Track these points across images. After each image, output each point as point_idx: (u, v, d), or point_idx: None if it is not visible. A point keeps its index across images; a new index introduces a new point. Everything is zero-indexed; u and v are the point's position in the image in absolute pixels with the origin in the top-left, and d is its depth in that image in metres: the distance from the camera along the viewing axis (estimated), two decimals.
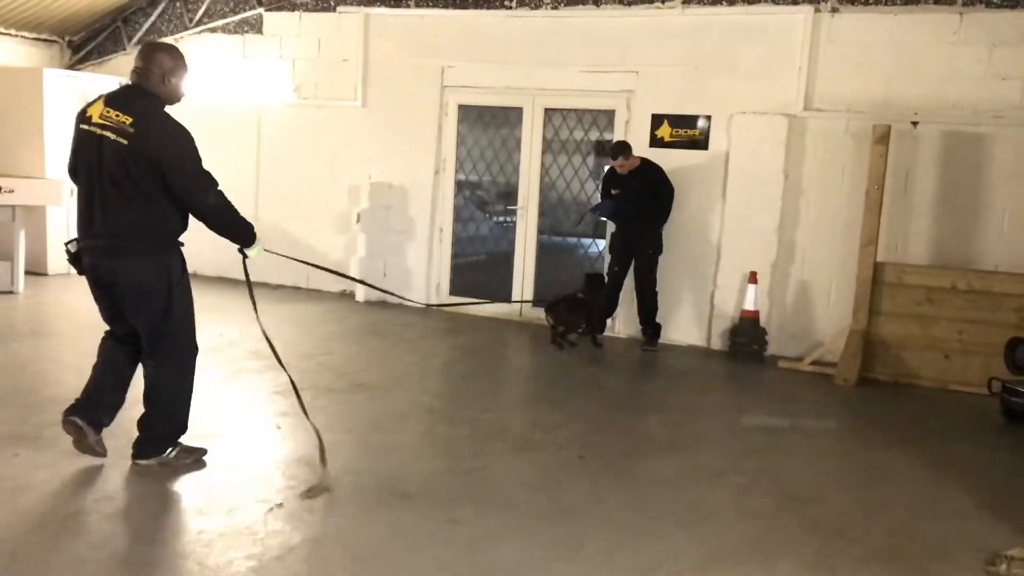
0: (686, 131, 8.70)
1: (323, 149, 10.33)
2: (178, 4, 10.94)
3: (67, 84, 10.36)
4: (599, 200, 8.73)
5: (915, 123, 7.92)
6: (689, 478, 4.98)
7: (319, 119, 10.33)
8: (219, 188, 4.49)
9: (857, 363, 7.56)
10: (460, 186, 9.92)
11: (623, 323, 9.01)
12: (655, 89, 8.78)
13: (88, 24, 11.32)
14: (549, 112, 9.33)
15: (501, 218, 9.89)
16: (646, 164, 8.37)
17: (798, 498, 4.80)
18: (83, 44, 11.54)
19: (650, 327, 8.57)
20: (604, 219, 8.90)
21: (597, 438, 5.62)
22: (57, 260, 10.38)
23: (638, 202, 8.36)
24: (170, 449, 4.67)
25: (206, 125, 10.98)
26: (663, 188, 8.35)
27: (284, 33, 10.42)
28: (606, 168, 8.68)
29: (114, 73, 11.22)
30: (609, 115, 9.08)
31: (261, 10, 10.48)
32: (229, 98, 10.68)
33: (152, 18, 11.04)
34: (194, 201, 4.42)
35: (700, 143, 8.66)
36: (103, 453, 4.61)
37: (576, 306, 8.35)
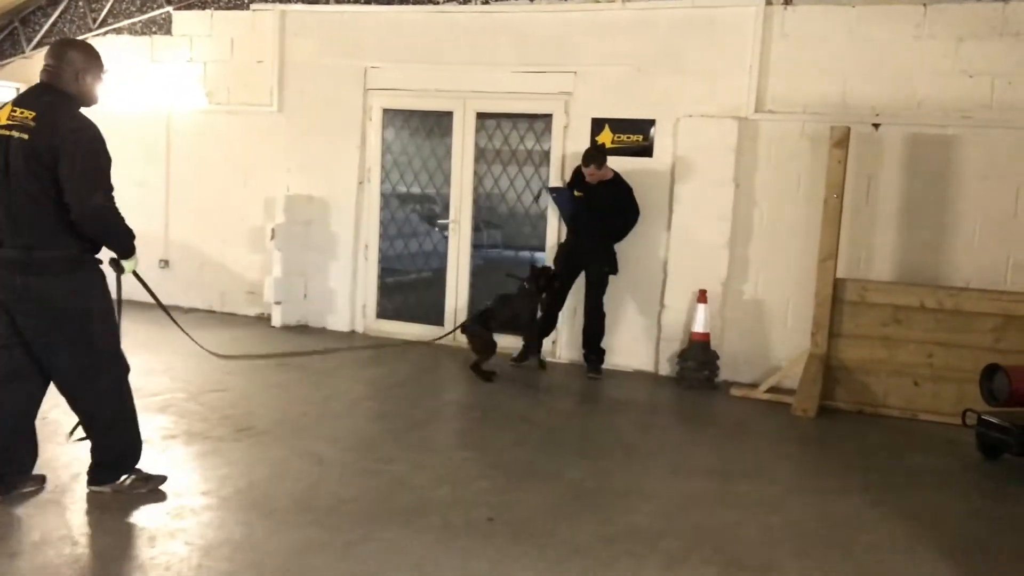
0: (629, 136, 7.93)
1: (237, 159, 9.44)
2: (81, 3, 10.02)
3: None
4: (562, 186, 7.96)
5: (877, 125, 7.20)
6: (616, 544, 4.16)
7: (232, 126, 9.45)
8: (111, 193, 4.12)
9: (816, 391, 6.80)
10: (404, 199, 9.00)
11: (565, 347, 8.21)
12: (595, 91, 8.01)
13: None
14: (482, 117, 8.51)
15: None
16: (619, 179, 7.58)
17: (744, 568, 4.01)
18: None
19: (594, 353, 7.77)
20: (557, 206, 8.07)
21: (515, 492, 4.79)
22: None
23: (599, 215, 7.56)
24: (125, 476, 4.39)
25: (111, 134, 10.09)
26: (629, 210, 7.57)
27: (194, 33, 9.54)
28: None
29: (10, 78, 10.29)
30: (546, 120, 8.29)
31: (170, 8, 9.59)
32: (136, 105, 9.76)
33: (52, 18, 10.12)
34: (79, 199, 3.97)
35: (644, 150, 7.89)
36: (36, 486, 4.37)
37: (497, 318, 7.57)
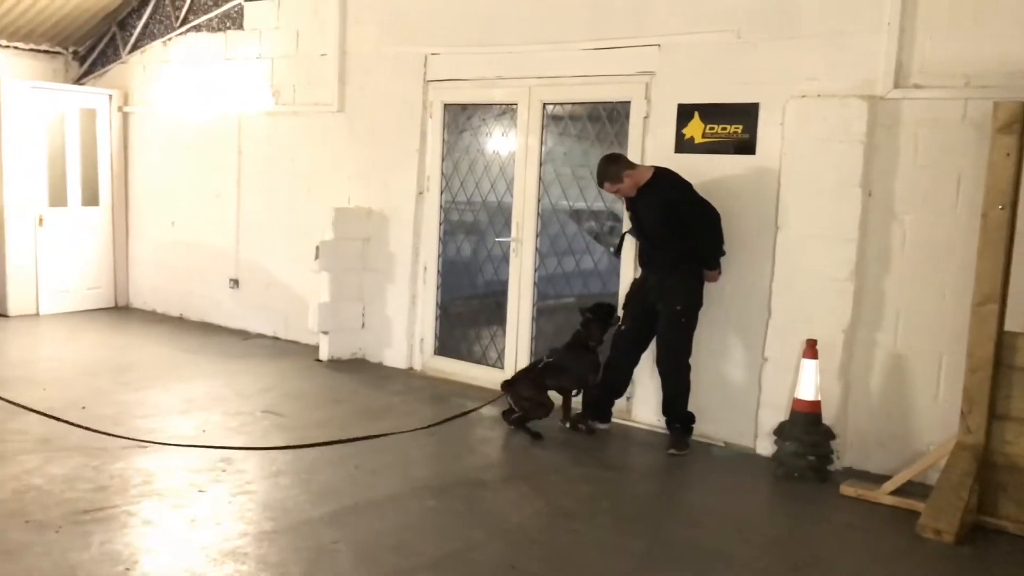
0: (724, 127, 5.89)
1: (300, 166, 8.31)
2: (166, 1, 9.33)
3: (33, 97, 8.99)
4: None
5: None
6: None
7: (297, 129, 8.34)
8: None
9: (962, 501, 4.48)
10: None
11: (640, 404, 6.27)
12: (683, 68, 6.05)
13: (88, 31, 9.96)
14: (547, 107, 6.79)
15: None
16: (659, 176, 5.68)
17: None
18: (88, 55, 10.22)
19: (676, 420, 5.80)
20: None
21: None
22: (19, 300, 9.01)
23: (646, 233, 5.75)
24: None
25: (187, 141, 9.37)
26: (685, 209, 5.60)
27: (263, 27, 8.52)
28: None
29: (109, 85, 9.84)
30: (623, 109, 6.41)
31: (241, 0, 8.63)
32: (211, 110, 8.95)
33: (144, 18, 9.51)
34: None
35: (744, 145, 5.82)
36: None
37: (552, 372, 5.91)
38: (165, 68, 9.37)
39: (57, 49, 10.14)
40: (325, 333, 7.65)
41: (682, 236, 5.60)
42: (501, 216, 7.10)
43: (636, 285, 6.02)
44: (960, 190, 5.08)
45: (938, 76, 5.14)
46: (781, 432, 5.41)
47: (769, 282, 5.69)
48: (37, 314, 9.09)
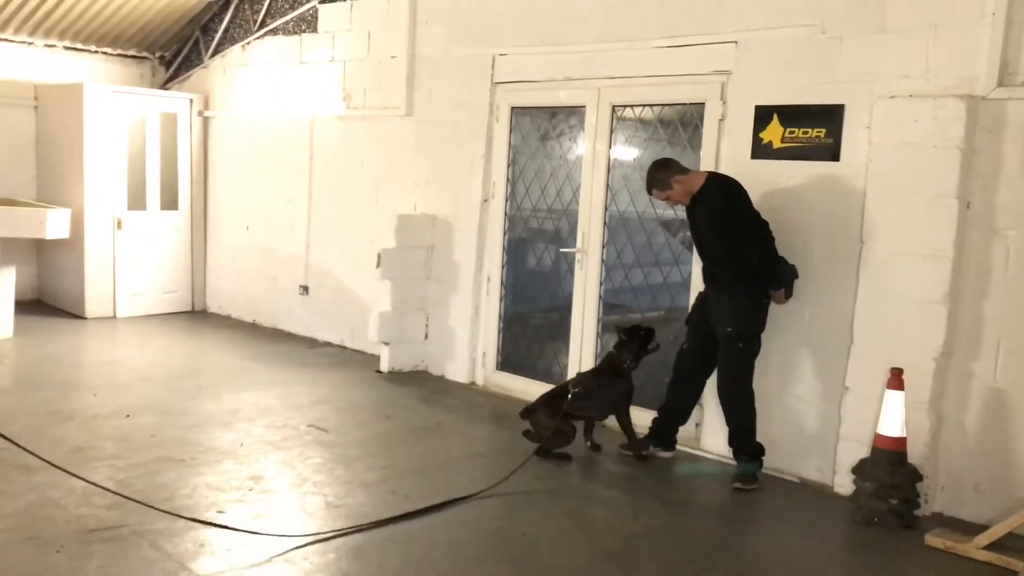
0: (805, 131, 5.36)
1: (369, 171, 8.11)
2: (246, 5, 9.28)
3: (115, 102, 9.04)
4: None
5: None
6: None
7: (366, 133, 8.14)
8: None
9: None
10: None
11: (712, 432, 5.77)
12: (761, 67, 5.55)
13: (172, 36, 10.02)
14: (616, 110, 6.37)
15: None
16: (709, 183, 5.22)
17: None
18: (173, 59, 10.29)
19: (743, 451, 5.29)
20: None
21: None
22: (97, 303, 9.07)
23: (703, 245, 5.30)
24: None
25: (261, 146, 9.29)
26: (726, 220, 5.09)
27: (336, 29, 8.35)
28: None
29: (192, 90, 9.86)
30: (696, 111, 5.94)
31: (315, 2, 8.49)
32: (284, 112, 8.84)
33: (225, 23, 9.48)
34: None
35: (827, 150, 5.27)
36: None
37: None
38: (243, 72, 9.32)
39: (144, 54, 10.24)
40: (386, 344, 7.39)
41: (734, 251, 5.10)
42: (567, 224, 6.71)
43: (698, 301, 5.55)
44: None
45: None
46: (861, 470, 4.84)
47: (852, 303, 5.12)
48: (114, 317, 9.13)
